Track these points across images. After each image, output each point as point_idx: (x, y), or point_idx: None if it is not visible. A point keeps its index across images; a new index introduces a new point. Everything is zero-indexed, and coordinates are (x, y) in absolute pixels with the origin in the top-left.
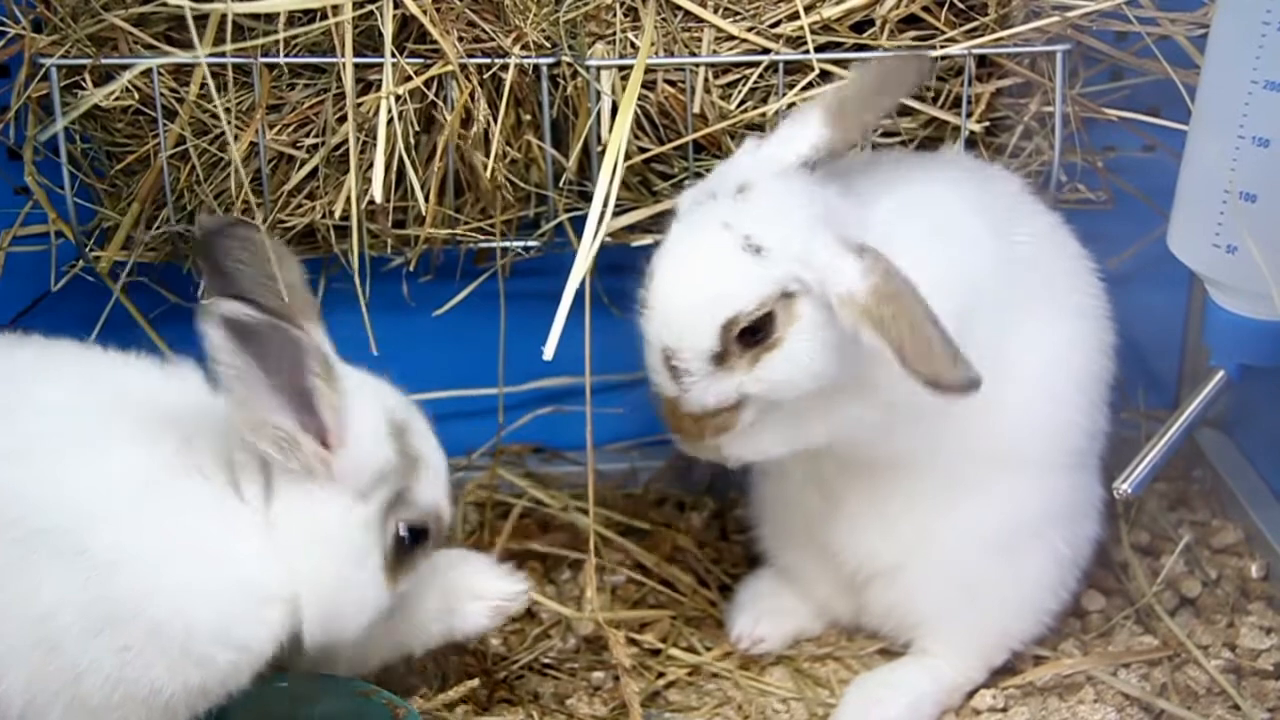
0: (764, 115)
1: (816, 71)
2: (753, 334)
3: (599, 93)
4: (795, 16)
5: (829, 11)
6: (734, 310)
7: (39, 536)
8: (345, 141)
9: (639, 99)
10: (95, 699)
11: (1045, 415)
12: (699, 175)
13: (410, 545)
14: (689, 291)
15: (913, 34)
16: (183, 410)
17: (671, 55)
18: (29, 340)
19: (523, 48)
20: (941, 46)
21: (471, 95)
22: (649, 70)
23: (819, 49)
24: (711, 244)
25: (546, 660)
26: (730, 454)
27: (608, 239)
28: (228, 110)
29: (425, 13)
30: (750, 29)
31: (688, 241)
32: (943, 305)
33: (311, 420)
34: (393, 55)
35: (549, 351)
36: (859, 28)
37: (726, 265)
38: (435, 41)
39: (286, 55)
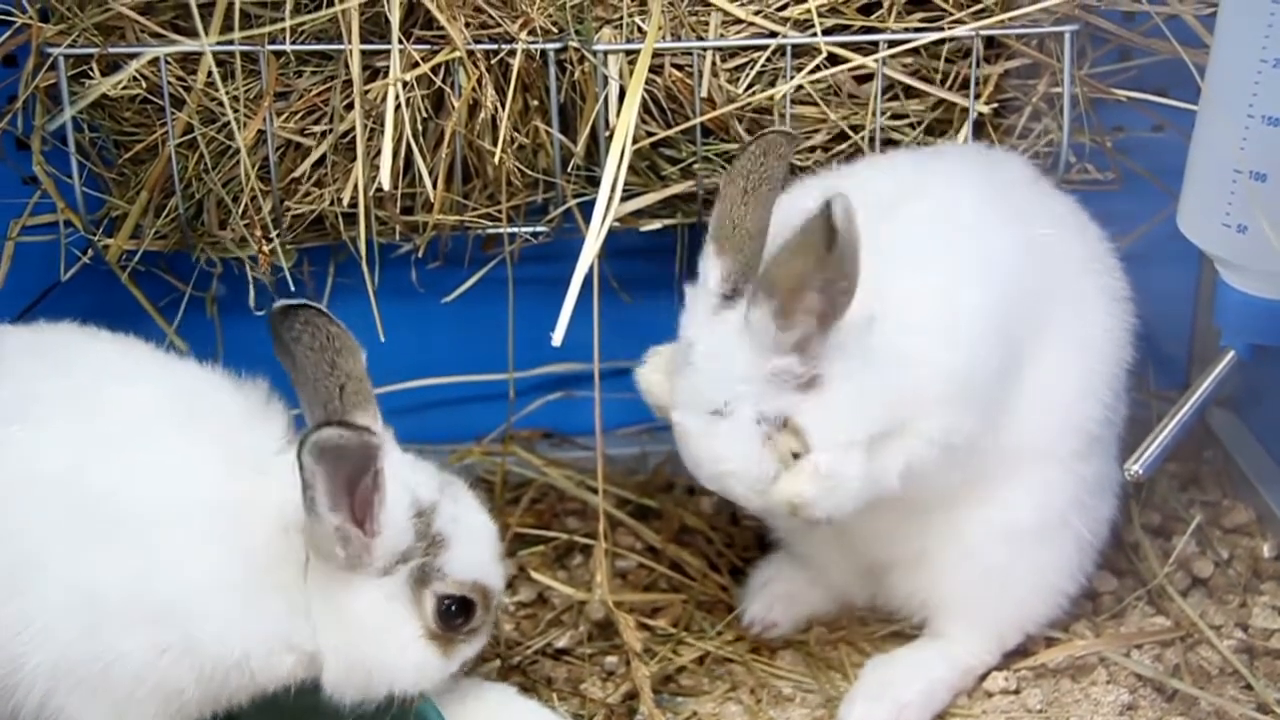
0: (771, 99)
1: (824, 54)
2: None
3: (606, 77)
4: None
5: None
6: (752, 480)
7: (109, 520)
8: (353, 129)
9: (646, 83)
10: (120, 690)
11: (1076, 406)
12: (707, 159)
13: (455, 616)
14: (726, 489)
15: (920, 16)
16: (260, 447)
17: (679, 39)
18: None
19: (530, 33)
20: (949, 28)
21: (479, 81)
22: (656, 54)
23: (827, 32)
24: (695, 438)
25: (559, 645)
26: (813, 515)
27: (616, 224)
28: (235, 98)
29: None
30: (757, 12)
31: (683, 437)
32: (979, 322)
33: (358, 512)
34: (399, 42)
35: (558, 337)
36: (867, 10)
37: (723, 454)
38: (442, 28)
39: (293, 43)
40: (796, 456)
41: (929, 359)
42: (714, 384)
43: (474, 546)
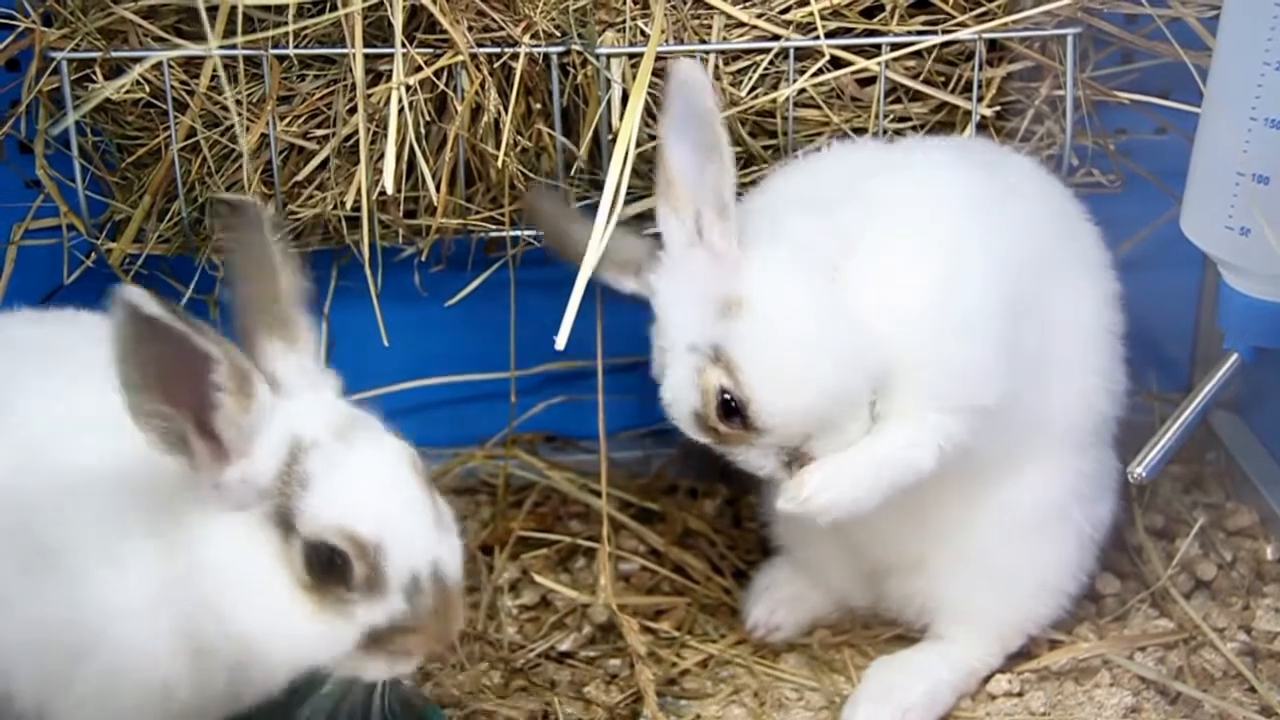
0: (774, 102)
1: (827, 57)
2: (733, 413)
3: (609, 81)
4: (805, 2)
5: None
6: (689, 409)
7: (39, 550)
8: (356, 132)
9: (649, 87)
10: (84, 712)
11: (1075, 393)
12: None
13: (327, 568)
14: (670, 414)
15: (922, 19)
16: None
17: (681, 43)
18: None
19: (532, 37)
20: (951, 31)
21: (482, 85)
22: (659, 58)
23: (829, 35)
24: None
25: (563, 648)
26: (829, 509)
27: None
28: (238, 102)
29: (435, 2)
30: (760, 15)
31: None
32: (989, 323)
33: (210, 430)
34: (403, 46)
35: (561, 341)
36: (869, 13)
37: (664, 382)
38: (445, 31)
39: (296, 47)
40: (727, 396)
41: (934, 325)
42: (660, 324)
43: (345, 489)
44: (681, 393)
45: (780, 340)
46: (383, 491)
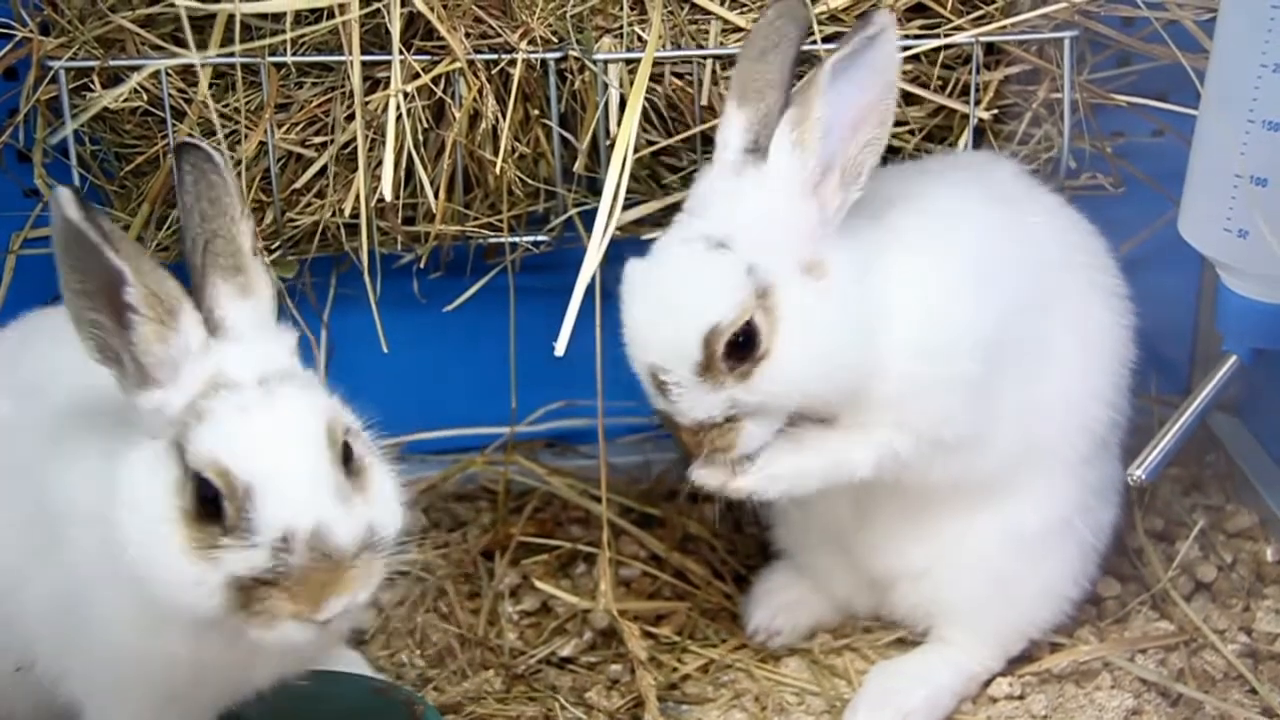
0: None
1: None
2: (739, 350)
3: (607, 86)
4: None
5: (836, 2)
6: (714, 320)
7: (49, 519)
8: (354, 140)
9: (647, 92)
10: (97, 678)
11: (1080, 409)
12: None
13: (207, 506)
14: (667, 308)
15: (920, 22)
16: None
17: (679, 48)
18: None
19: (530, 43)
20: (948, 34)
21: (479, 91)
22: (656, 63)
23: (826, 39)
24: (678, 257)
25: (564, 654)
26: (757, 488)
27: (617, 232)
28: (236, 110)
29: (432, 9)
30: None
31: (656, 260)
32: (970, 371)
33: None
34: (400, 53)
35: (560, 347)
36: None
37: (697, 274)
38: (442, 38)
39: (294, 54)
40: (743, 336)
41: (915, 343)
42: (721, 219)
43: (234, 427)
44: (722, 297)
45: (835, 324)
46: (273, 440)
